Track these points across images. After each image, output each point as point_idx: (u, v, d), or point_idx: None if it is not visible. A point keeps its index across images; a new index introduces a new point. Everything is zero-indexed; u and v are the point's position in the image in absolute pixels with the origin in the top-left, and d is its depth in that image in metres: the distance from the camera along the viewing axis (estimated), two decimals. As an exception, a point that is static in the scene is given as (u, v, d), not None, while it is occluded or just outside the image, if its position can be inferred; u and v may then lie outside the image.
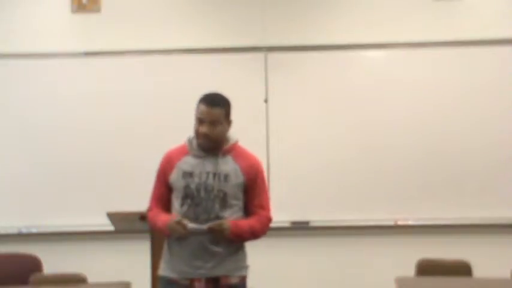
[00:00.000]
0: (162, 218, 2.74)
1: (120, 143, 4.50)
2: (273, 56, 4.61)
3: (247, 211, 2.79)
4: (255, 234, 2.77)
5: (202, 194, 2.71)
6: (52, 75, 4.61)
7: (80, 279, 3.49)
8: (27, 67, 4.61)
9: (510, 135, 4.48)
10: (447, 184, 4.48)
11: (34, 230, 4.53)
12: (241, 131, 4.51)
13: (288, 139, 4.56)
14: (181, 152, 2.80)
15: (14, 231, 4.52)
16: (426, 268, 3.60)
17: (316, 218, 4.53)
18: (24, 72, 4.61)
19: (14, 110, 4.60)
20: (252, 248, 4.52)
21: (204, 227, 2.63)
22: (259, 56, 4.60)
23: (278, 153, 4.55)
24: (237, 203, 2.76)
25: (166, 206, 2.81)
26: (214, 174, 2.73)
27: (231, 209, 2.73)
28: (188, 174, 2.73)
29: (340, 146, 4.54)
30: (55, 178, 4.53)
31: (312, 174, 4.53)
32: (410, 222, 4.49)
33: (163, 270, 2.80)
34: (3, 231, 4.50)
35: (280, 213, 4.47)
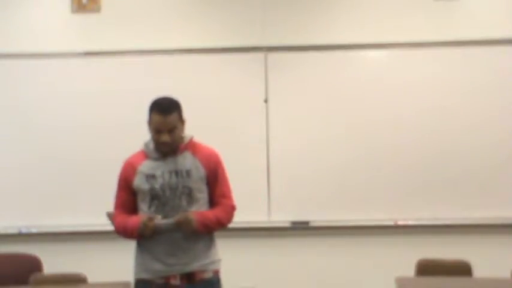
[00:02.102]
0: (131, 221, 2.80)
1: (120, 143, 4.47)
2: (273, 56, 4.60)
3: (211, 202, 2.88)
4: (221, 223, 2.85)
5: (168, 193, 2.78)
6: (52, 75, 4.60)
7: (80, 279, 3.49)
8: (27, 67, 4.61)
9: (510, 135, 4.48)
10: (447, 184, 4.48)
11: (34, 230, 4.53)
12: (241, 131, 4.57)
13: (288, 139, 4.56)
14: (140, 158, 2.88)
15: (14, 231, 4.52)
16: (426, 268, 3.60)
17: (316, 218, 4.53)
18: (24, 72, 4.60)
19: (14, 110, 4.60)
20: (252, 248, 4.56)
21: (172, 220, 2.71)
22: (259, 56, 4.60)
23: (278, 153, 4.55)
24: (202, 196, 2.84)
25: (131, 212, 2.86)
26: (177, 172, 2.80)
27: (197, 203, 2.81)
28: (151, 177, 2.80)
29: (340, 146, 4.54)
30: (55, 178, 4.53)
31: (312, 174, 4.53)
32: (410, 222, 4.49)
33: (137, 273, 2.86)
34: (3, 231, 4.50)
35: (280, 213, 4.54)
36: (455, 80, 4.53)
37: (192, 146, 2.87)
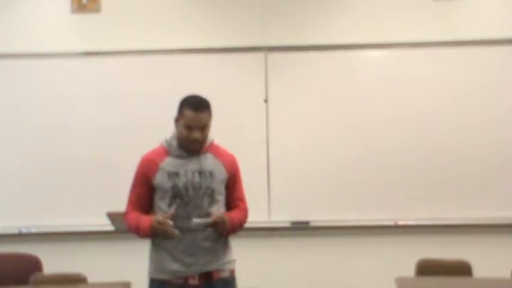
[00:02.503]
0: (145, 219, 2.75)
1: (120, 143, 4.50)
2: (273, 56, 4.61)
3: (227, 205, 2.89)
4: (241, 225, 2.89)
5: (191, 192, 2.76)
6: (52, 75, 4.60)
7: (80, 279, 3.48)
8: (27, 67, 4.60)
9: (510, 135, 4.48)
10: (447, 184, 4.48)
11: (34, 230, 4.53)
12: (241, 131, 4.57)
13: (288, 139, 4.56)
14: (161, 154, 2.84)
15: (14, 231, 4.52)
16: (426, 268, 3.60)
17: (316, 218, 4.53)
18: (24, 72, 4.60)
19: (14, 110, 4.60)
20: (252, 248, 4.55)
21: (209, 220, 2.70)
22: (259, 56, 4.60)
23: (278, 153, 4.55)
24: (222, 198, 2.85)
25: (145, 209, 2.83)
26: (200, 172, 2.79)
27: (217, 204, 2.81)
28: (174, 174, 2.77)
29: (340, 145, 4.54)
30: (55, 178, 4.53)
31: (312, 174, 4.53)
32: (410, 222, 4.49)
33: (152, 273, 2.83)
34: (3, 231, 4.50)
35: (280, 213, 4.54)
36: (455, 80, 4.54)
37: (213, 148, 2.88)
